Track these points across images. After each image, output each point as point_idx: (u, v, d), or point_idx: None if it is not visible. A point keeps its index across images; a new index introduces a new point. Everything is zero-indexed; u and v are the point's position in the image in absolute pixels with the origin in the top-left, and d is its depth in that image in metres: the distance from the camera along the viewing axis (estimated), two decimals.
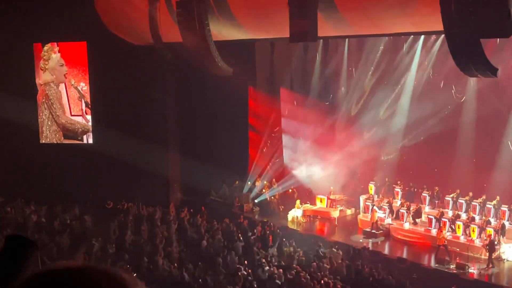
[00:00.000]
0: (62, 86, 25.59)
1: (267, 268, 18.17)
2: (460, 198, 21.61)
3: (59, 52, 25.45)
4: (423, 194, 22.67)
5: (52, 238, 20.55)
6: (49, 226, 21.90)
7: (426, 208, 22.23)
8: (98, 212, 23.29)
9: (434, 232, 20.55)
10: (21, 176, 24.85)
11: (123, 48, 23.36)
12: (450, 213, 21.21)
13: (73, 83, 25.32)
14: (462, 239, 19.89)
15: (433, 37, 22.12)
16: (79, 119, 25.85)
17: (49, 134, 25.89)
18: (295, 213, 23.84)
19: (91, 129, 25.79)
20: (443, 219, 20.56)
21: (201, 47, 19.74)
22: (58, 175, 24.99)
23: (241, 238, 20.52)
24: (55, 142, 26.02)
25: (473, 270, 18.33)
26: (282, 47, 25.16)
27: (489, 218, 20.11)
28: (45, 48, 25.30)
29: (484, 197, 21.15)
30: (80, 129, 25.77)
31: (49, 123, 25.75)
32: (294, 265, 18.48)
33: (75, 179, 24.68)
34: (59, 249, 19.77)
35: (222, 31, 20.19)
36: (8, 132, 24.94)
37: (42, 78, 25.55)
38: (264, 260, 18.86)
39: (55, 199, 23.65)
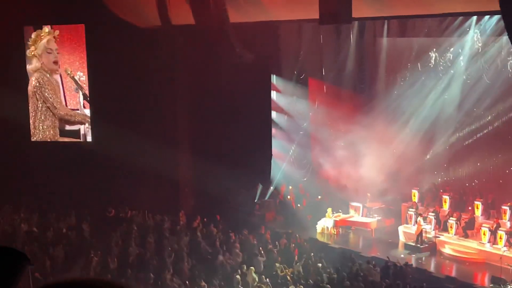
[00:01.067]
0: (57, 75, 25.67)
1: (292, 287, 18.22)
2: None
3: (55, 36, 25.40)
4: (475, 202, 22.52)
5: (45, 250, 20.80)
6: (41, 237, 22.14)
7: (479, 219, 22.08)
8: (98, 221, 23.47)
9: (488, 246, 20.41)
10: (9, 179, 25.01)
11: (127, 32, 23.49)
12: (508, 225, 21.06)
13: (69, 72, 25.36)
14: None
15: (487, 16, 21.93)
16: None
17: (42, 131, 26.03)
18: (325, 223, 23.82)
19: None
20: (499, 231, 20.42)
21: (216, 30, 19.81)
22: (52, 178, 25.12)
23: (262, 252, 20.57)
24: (49, 140, 26.11)
25: None
26: (311, 30, 25.11)
27: None
28: (33, 36, 25.27)
29: None
30: (80, 120, 25.72)
31: (42, 117, 25.83)
32: (324, 284, 18.48)
33: (71, 183, 24.79)
34: (53, 263, 20.01)
35: (241, 11, 20.24)
36: None
37: (33, 65, 25.61)
38: (289, 278, 18.90)
39: (48, 205, 23.87)
